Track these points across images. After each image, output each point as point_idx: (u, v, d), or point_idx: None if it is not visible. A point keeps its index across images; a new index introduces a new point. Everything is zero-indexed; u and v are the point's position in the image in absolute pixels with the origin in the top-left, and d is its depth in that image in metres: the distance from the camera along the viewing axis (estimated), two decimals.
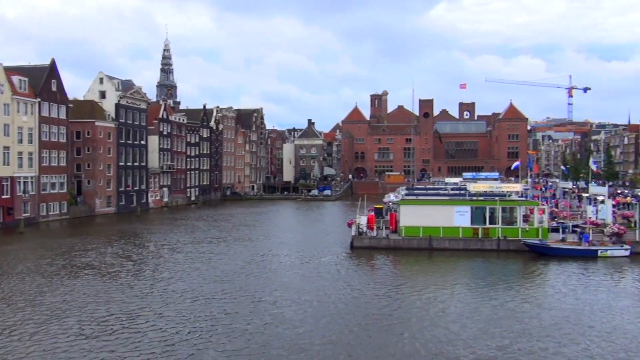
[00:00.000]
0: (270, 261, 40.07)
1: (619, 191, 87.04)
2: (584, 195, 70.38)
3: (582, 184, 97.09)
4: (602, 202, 52.14)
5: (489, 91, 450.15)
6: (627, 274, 35.21)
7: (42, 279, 33.63)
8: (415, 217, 44.75)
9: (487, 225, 43.80)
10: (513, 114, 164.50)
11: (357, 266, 38.28)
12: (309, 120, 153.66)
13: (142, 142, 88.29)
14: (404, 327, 23.74)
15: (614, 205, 54.82)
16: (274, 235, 55.69)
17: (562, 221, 49.34)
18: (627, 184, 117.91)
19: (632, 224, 44.75)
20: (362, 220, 46.13)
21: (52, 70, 70.02)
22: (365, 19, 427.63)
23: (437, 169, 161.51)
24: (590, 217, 47.99)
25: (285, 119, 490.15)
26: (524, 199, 50.24)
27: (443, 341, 21.80)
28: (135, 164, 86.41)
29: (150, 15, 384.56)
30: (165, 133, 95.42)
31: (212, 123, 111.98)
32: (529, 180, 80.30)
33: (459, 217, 44.23)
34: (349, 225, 47.76)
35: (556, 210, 56.85)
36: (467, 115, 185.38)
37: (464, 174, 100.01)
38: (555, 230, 45.45)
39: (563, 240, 42.32)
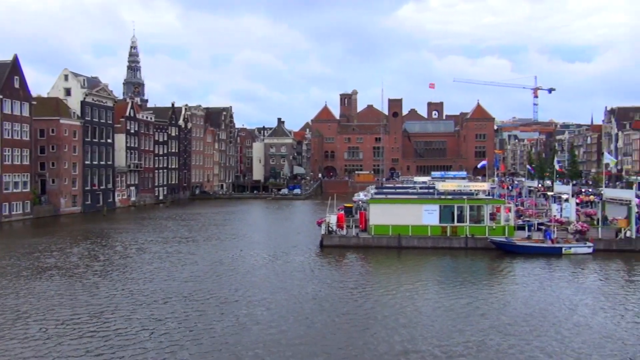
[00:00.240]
0: (240, 261, 39.83)
1: (582, 190, 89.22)
2: (549, 193, 71.91)
3: (547, 182, 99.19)
4: (566, 200, 53.29)
5: (457, 91, 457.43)
6: (589, 270, 36.08)
7: (4, 280, 32.73)
8: (385, 215, 45.06)
9: (455, 224, 44.37)
10: (480, 114, 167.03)
11: (327, 265, 38.35)
12: (279, 119, 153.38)
13: (109, 141, 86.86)
14: (374, 325, 23.88)
15: (577, 204, 56.17)
16: (244, 235, 55.40)
17: (527, 219, 50.31)
18: (590, 182, 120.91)
19: (595, 222, 45.91)
20: (332, 219, 46.24)
21: (14, 67, 68.27)
22: (334, 18, 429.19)
23: (406, 168, 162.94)
24: (554, 215, 49.01)
25: (254, 118, 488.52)
26: (491, 197, 51.07)
27: (413, 338, 22.00)
28: (102, 162, 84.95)
29: (116, 11, 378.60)
30: (132, 131, 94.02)
31: (180, 121, 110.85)
32: (496, 179, 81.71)
33: (428, 216, 44.71)
34: (319, 224, 47.82)
35: (522, 208, 57.90)
36: (435, 114, 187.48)
37: (433, 173, 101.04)
38: (521, 228, 46.34)
39: (529, 237, 43.23)
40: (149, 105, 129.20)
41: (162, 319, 24.61)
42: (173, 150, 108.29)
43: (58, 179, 75.80)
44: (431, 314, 25.53)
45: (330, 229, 45.56)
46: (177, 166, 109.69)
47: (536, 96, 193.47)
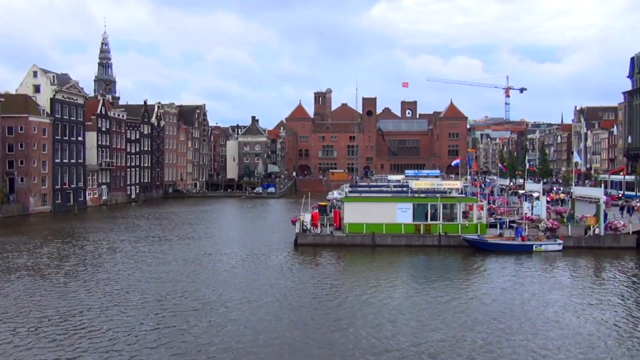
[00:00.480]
0: (214, 260, 39.58)
1: (553, 188, 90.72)
2: (520, 192, 72.98)
3: (518, 181, 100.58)
4: (537, 198, 54.17)
5: (430, 90, 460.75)
6: (559, 267, 36.76)
7: None
8: (359, 214, 45.24)
9: (429, 222, 44.77)
10: (453, 113, 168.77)
11: (302, 263, 38.35)
12: (253, 117, 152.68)
13: (80, 139, 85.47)
14: (349, 322, 23.96)
15: (548, 202, 57.09)
16: (218, 234, 55.06)
17: (499, 217, 50.98)
18: (560, 181, 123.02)
19: (565, 219, 46.76)
20: (306, 217, 46.24)
21: None
22: (306, 17, 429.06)
23: (380, 167, 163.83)
24: (525, 213, 49.80)
25: (227, 115, 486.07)
26: (463, 195, 51.59)
27: (388, 335, 22.15)
28: (73, 160, 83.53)
29: (85, 7, 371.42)
30: (104, 129, 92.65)
31: (153, 119, 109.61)
32: (469, 177, 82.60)
33: (401, 214, 45.04)
34: (293, 222, 47.77)
35: (494, 206, 58.63)
36: (409, 113, 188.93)
37: (406, 171, 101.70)
38: (493, 226, 46.95)
39: (500, 235, 43.82)
40: (120, 102, 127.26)
41: (134, 320, 24.31)
42: (145, 149, 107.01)
43: (27, 178, 74.32)
44: (405, 311, 25.73)
45: (304, 227, 45.56)
46: (149, 164, 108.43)
47: (508, 96, 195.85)
